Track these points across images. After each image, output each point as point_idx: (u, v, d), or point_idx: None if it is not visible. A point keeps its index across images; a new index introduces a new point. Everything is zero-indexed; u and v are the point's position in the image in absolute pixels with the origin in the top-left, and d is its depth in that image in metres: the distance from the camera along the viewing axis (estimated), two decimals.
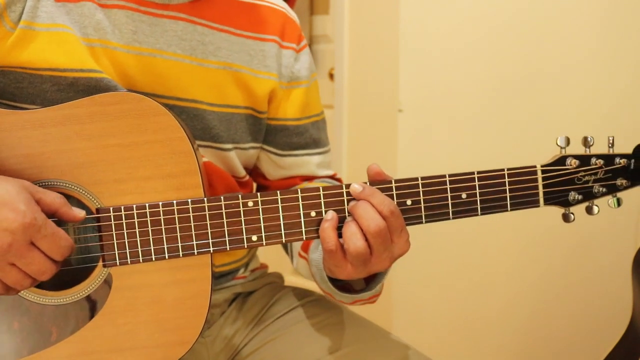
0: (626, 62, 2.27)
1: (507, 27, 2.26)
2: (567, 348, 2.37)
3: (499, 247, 2.31)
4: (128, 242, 0.94)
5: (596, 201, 1.00)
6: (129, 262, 0.94)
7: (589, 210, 1.00)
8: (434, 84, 2.27)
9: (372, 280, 1.04)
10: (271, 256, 1.21)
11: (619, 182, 0.99)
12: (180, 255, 0.94)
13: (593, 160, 0.99)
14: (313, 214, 0.96)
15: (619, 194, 1.00)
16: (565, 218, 1.00)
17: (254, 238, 0.95)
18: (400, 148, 2.29)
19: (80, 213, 0.92)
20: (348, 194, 0.95)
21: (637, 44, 2.25)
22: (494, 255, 2.33)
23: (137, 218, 0.94)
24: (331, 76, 2.86)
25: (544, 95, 2.28)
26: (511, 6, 2.26)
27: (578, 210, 1.01)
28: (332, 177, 1.28)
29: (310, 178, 1.25)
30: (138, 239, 0.94)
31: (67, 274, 0.97)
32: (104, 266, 0.94)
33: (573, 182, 0.99)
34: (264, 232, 0.95)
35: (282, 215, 0.95)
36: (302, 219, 0.96)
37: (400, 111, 2.27)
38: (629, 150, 1.01)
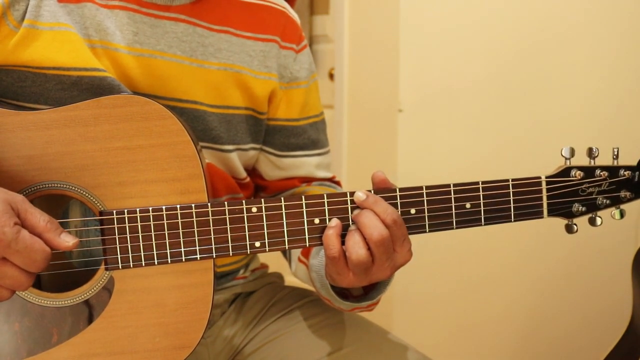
0: (632, 64, 2.27)
1: (507, 26, 2.26)
2: (567, 348, 2.38)
3: (499, 247, 2.32)
4: (131, 245, 0.93)
5: (599, 212, 1.00)
6: (131, 266, 0.94)
7: (592, 222, 1.01)
8: (434, 84, 2.27)
9: (372, 289, 1.04)
10: (271, 256, 1.21)
11: (622, 194, 0.99)
12: (183, 260, 0.94)
13: (597, 171, 0.99)
14: (317, 221, 0.96)
15: (622, 206, 1.00)
16: (569, 229, 1.00)
17: (257, 244, 0.95)
18: (400, 148, 2.29)
19: (69, 242, 0.87)
20: (352, 201, 0.95)
21: None
22: (494, 255, 2.34)
23: (140, 222, 0.93)
24: (331, 76, 2.86)
25: (544, 96, 2.28)
26: (512, 5, 2.26)
27: (580, 219, 1.02)
28: (331, 179, 1.28)
29: (308, 179, 1.25)
30: (141, 243, 0.93)
31: (69, 276, 0.97)
32: (106, 269, 0.94)
33: (577, 193, 0.99)
34: (267, 239, 0.95)
35: (286, 222, 0.95)
36: (306, 226, 0.96)
37: (400, 111, 2.27)
38: (632, 160, 1.01)
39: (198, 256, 0.95)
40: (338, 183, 1.29)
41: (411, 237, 0.97)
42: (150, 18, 1.06)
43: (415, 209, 0.97)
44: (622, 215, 1.01)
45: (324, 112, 1.28)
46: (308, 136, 1.23)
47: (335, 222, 0.95)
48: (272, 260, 1.38)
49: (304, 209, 0.95)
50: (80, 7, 1.03)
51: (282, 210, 0.95)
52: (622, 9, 2.24)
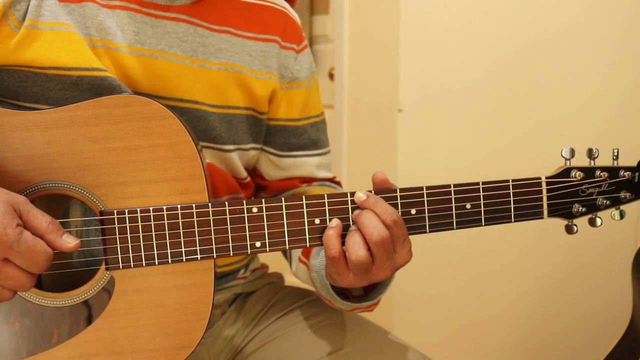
0: (632, 64, 2.27)
1: (507, 26, 2.26)
2: (567, 348, 2.38)
3: (499, 247, 2.32)
4: (131, 245, 0.94)
5: (599, 213, 1.00)
6: (132, 266, 0.94)
7: (592, 223, 1.01)
8: (434, 84, 2.27)
9: (372, 289, 1.05)
10: (271, 256, 1.21)
11: (622, 194, 0.99)
12: (184, 260, 0.94)
13: (597, 172, 0.99)
14: (317, 221, 0.96)
15: (622, 207, 1.00)
16: (569, 230, 1.01)
17: (258, 244, 0.95)
18: (400, 148, 2.29)
19: (71, 243, 0.87)
20: (352, 202, 0.95)
21: None
22: (494, 255, 2.34)
23: (141, 222, 0.93)
24: (331, 76, 2.86)
25: (544, 96, 2.28)
26: (511, 5, 2.26)
27: (580, 219, 1.02)
28: (332, 179, 1.28)
29: (309, 180, 1.25)
30: (141, 243, 0.94)
31: (70, 276, 0.97)
32: (107, 269, 0.94)
33: (577, 194, 0.99)
34: (268, 239, 0.95)
35: (286, 223, 0.95)
36: (306, 227, 0.96)
37: (400, 111, 2.27)
38: (632, 160, 1.01)
39: (199, 256, 0.95)
40: (338, 183, 1.29)
41: (411, 237, 0.97)
42: (151, 18, 1.07)
43: (416, 210, 0.97)
44: (622, 216, 1.01)
45: (324, 112, 1.28)
46: (309, 136, 1.23)
47: (335, 222, 0.95)
48: (272, 261, 1.38)
49: (305, 209, 0.95)
50: (81, 7, 1.03)
51: (282, 210, 0.95)
52: (622, 9, 2.25)
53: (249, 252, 0.95)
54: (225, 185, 1.16)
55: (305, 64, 1.21)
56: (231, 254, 0.95)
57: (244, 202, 0.95)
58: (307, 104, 1.22)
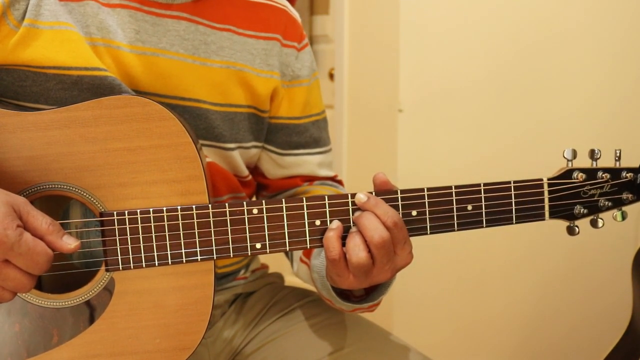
0: (634, 64, 2.27)
1: (507, 26, 2.26)
2: (567, 348, 2.38)
3: (499, 248, 2.32)
4: (131, 247, 0.93)
5: (601, 214, 1.00)
6: (132, 267, 0.94)
7: (593, 224, 1.00)
8: (434, 84, 2.27)
9: (373, 290, 1.04)
10: (271, 256, 1.21)
11: (624, 196, 0.99)
12: (184, 261, 0.94)
13: (599, 173, 0.99)
14: (318, 222, 0.95)
15: (624, 208, 1.00)
16: (570, 231, 1.00)
17: (258, 246, 0.95)
18: (400, 148, 2.29)
19: (71, 244, 0.87)
20: (353, 203, 0.95)
21: None
22: (494, 255, 2.34)
23: (141, 223, 0.93)
24: (331, 76, 2.86)
25: (545, 96, 2.28)
26: (512, 6, 2.26)
27: (582, 220, 1.01)
28: (333, 178, 1.28)
29: (311, 178, 1.25)
30: (141, 244, 0.93)
31: (70, 277, 0.97)
32: (107, 270, 0.94)
33: (579, 195, 0.99)
34: (268, 240, 0.95)
35: (287, 224, 0.95)
36: (307, 228, 0.95)
37: (400, 111, 2.27)
38: (634, 161, 1.01)
39: (199, 257, 0.94)
40: (340, 182, 1.29)
41: (411, 237, 0.97)
42: (152, 16, 1.06)
43: (417, 211, 0.96)
44: (623, 217, 1.01)
45: (325, 111, 1.28)
46: (310, 134, 1.23)
47: (336, 224, 0.95)
48: (273, 261, 1.38)
49: (305, 211, 0.95)
50: (81, 6, 1.03)
51: (283, 211, 0.95)
52: (622, 9, 2.24)
53: (250, 254, 0.95)
54: (227, 184, 1.16)
55: (307, 62, 1.21)
56: (231, 255, 0.95)
57: (244, 203, 0.95)
58: (309, 102, 1.22)
